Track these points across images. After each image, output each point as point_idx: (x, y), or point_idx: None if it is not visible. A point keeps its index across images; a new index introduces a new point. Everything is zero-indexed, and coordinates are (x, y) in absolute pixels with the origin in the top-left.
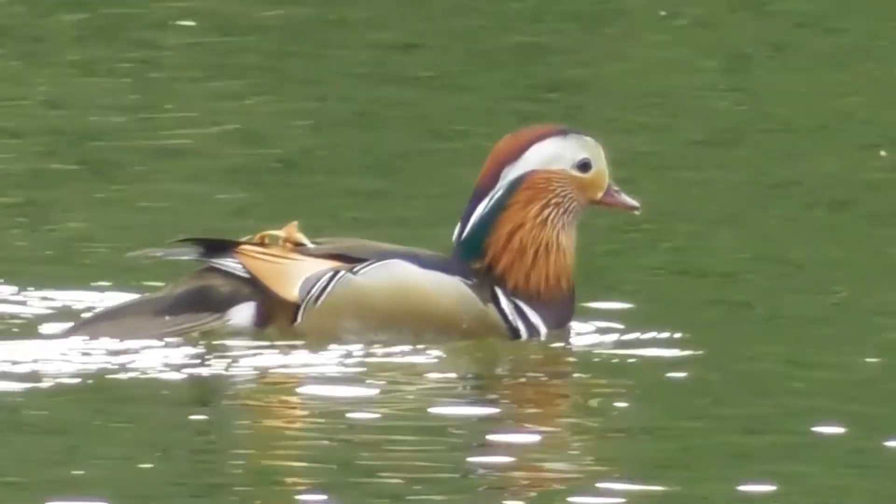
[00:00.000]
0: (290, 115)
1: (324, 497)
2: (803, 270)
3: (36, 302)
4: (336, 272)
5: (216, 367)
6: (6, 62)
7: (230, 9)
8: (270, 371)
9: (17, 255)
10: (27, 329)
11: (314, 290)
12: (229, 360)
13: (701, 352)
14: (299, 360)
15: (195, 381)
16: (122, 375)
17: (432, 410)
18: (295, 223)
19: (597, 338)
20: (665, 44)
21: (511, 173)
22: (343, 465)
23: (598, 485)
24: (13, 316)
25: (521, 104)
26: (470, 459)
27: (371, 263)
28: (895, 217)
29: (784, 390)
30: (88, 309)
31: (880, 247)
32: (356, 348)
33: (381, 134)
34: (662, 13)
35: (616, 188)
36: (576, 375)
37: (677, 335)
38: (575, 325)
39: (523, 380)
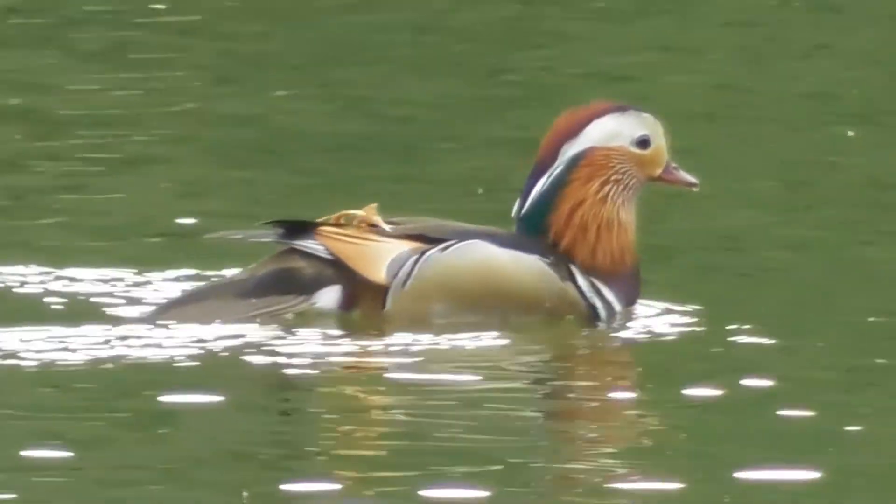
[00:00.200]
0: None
1: (403, 479)
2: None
3: (112, 286)
4: (422, 253)
5: (305, 349)
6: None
7: None
8: (359, 354)
9: (86, 240)
10: (108, 314)
11: (402, 272)
12: (318, 343)
13: (774, 341)
14: (386, 342)
15: (282, 363)
16: (208, 359)
17: (521, 396)
18: (374, 205)
19: (666, 316)
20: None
21: (570, 150)
22: (426, 450)
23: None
24: (89, 301)
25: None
26: (547, 445)
27: (454, 244)
28: None
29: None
30: (163, 293)
31: None
32: (442, 330)
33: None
34: None
35: (674, 165)
36: (655, 356)
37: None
38: (643, 302)
39: (608, 362)
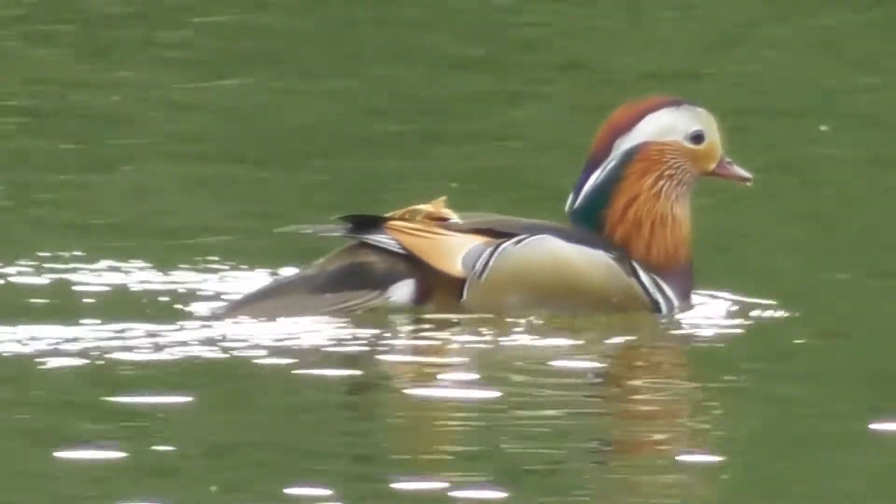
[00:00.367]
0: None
1: (467, 475)
2: None
3: (177, 283)
4: (497, 246)
5: (384, 345)
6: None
7: None
8: (436, 349)
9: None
10: (179, 311)
11: (478, 264)
12: (397, 338)
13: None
14: (463, 338)
15: (360, 360)
16: (284, 355)
17: (593, 395)
18: (443, 198)
19: (720, 311)
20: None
21: (624, 144)
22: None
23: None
24: (160, 298)
25: None
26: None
27: (525, 238)
28: None
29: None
30: (232, 289)
31: None
32: (513, 325)
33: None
34: None
35: (728, 160)
36: (720, 351)
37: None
38: (698, 297)
39: (674, 358)
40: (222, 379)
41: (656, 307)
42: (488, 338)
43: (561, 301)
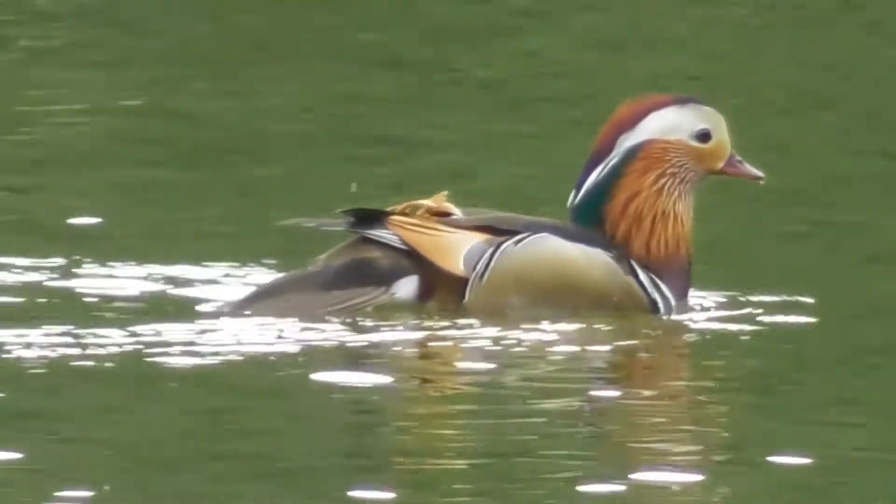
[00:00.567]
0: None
1: (473, 472)
2: None
3: (182, 281)
4: (498, 246)
5: (393, 341)
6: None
7: None
8: (441, 346)
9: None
10: (184, 309)
11: (479, 265)
12: (402, 337)
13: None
14: (466, 335)
15: (363, 359)
16: (293, 352)
17: (594, 394)
18: (444, 193)
19: (718, 310)
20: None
21: (627, 141)
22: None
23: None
24: (166, 296)
25: None
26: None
27: (526, 237)
28: None
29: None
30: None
31: None
32: (515, 324)
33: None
34: None
35: (739, 158)
36: (719, 350)
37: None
38: (695, 295)
39: (672, 357)
40: (224, 379)
41: (654, 306)
42: (489, 338)
43: (562, 300)
